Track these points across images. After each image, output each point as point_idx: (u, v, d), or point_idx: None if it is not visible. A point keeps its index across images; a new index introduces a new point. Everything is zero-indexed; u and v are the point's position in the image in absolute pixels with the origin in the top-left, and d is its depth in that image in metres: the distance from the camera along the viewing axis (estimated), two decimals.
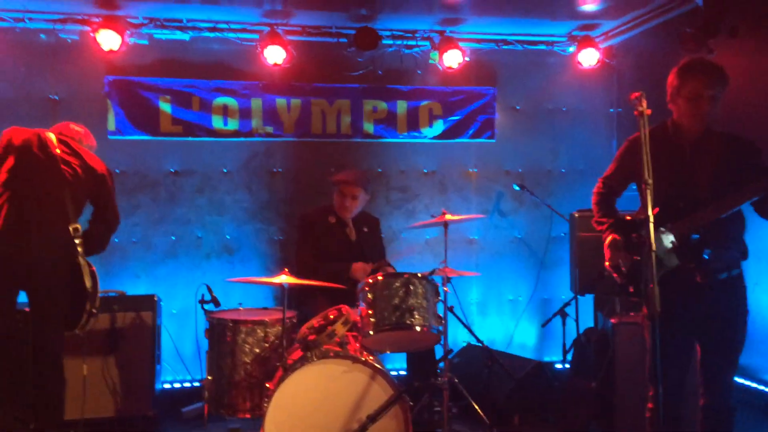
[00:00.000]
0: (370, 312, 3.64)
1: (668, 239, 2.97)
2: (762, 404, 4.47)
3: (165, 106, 5.25)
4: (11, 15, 4.81)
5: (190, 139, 5.32)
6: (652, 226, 2.46)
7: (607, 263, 3.34)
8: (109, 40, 4.80)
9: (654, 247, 2.44)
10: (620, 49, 5.67)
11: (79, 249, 3.66)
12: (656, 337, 2.48)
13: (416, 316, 3.59)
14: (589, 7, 4.95)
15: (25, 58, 5.01)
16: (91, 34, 4.84)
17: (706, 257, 3.00)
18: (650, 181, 2.51)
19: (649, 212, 2.48)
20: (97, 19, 4.84)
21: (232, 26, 5.15)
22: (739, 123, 3.84)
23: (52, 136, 3.75)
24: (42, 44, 5.03)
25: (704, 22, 4.06)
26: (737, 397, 3.21)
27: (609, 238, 3.20)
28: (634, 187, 3.39)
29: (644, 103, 2.60)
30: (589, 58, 5.41)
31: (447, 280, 3.97)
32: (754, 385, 4.61)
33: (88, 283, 3.65)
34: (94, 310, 3.70)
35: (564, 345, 4.99)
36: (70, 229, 3.66)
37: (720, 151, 3.05)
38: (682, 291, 2.97)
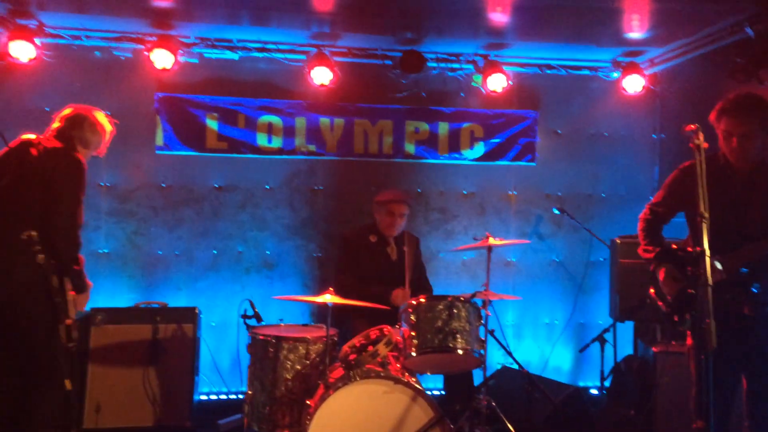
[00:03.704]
0: (413, 333, 3.66)
1: (717, 272, 2.95)
2: None
3: (212, 123, 5.37)
4: (69, 33, 4.98)
5: (234, 155, 5.43)
6: (708, 260, 2.46)
7: (651, 291, 3.34)
8: (162, 58, 4.93)
9: (711, 282, 2.43)
10: (665, 76, 5.65)
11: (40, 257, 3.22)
12: (710, 372, 2.47)
13: (459, 339, 3.61)
14: (635, 35, 4.95)
15: (81, 74, 5.16)
16: (145, 53, 4.99)
17: (755, 290, 2.99)
18: (707, 215, 2.51)
19: (705, 246, 2.48)
20: (151, 38, 4.99)
21: (281, 47, 5.26)
22: None
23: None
24: (96, 61, 5.18)
25: (755, 52, 4.04)
26: None
27: (663, 271, 3.17)
28: (681, 214, 3.39)
29: (701, 137, 2.60)
30: (633, 84, 5.41)
31: (488, 303, 3.97)
32: None
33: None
34: (69, 321, 3.32)
35: (602, 371, 4.95)
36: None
37: None
38: (729, 323, 2.95)
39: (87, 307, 4.62)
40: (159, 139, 5.32)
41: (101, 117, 3.74)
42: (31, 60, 4.80)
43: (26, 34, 4.73)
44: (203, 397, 5.25)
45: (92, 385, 4.51)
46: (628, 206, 5.60)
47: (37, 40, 4.81)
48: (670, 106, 5.74)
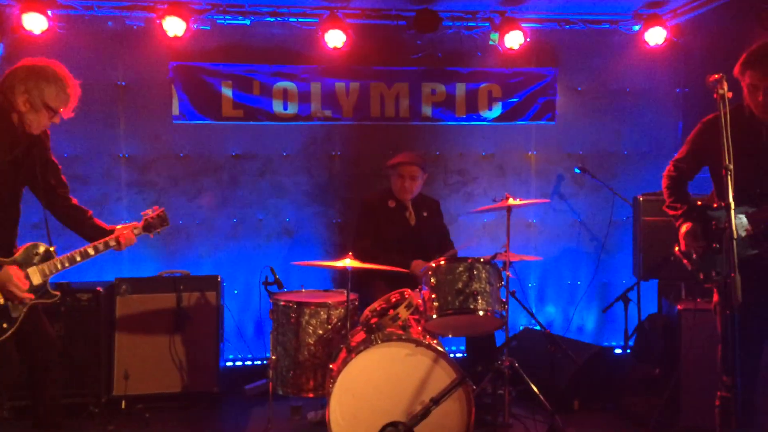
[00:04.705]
0: (433, 296, 3.66)
1: (742, 227, 2.89)
2: None
3: (227, 91, 5.34)
4: (81, 3, 4.95)
5: (251, 123, 5.40)
6: (733, 213, 2.40)
7: (676, 249, 3.28)
8: (174, 26, 4.89)
9: (735, 235, 2.37)
10: (689, 27, 5.47)
11: None
12: (736, 326, 2.43)
13: (480, 301, 3.60)
14: None
15: (94, 45, 5.13)
16: (157, 21, 4.95)
17: None
18: (731, 167, 2.45)
19: (730, 200, 2.42)
20: (162, 6, 4.93)
21: (293, 10, 5.18)
22: None
23: None
24: (109, 31, 5.15)
25: None
26: None
27: (686, 227, 3.13)
28: (706, 169, 3.31)
29: (725, 86, 2.52)
30: (655, 36, 5.24)
31: (508, 264, 3.95)
32: None
33: None
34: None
35: (626, 330, 4.91)
36: None
37: None
38: (757, 279, 2.89)
39: (111, 277, 4.74)
40: (175, 109, 5.30)
41: (42, 69, 3.05)
42: (43, 32, 4.78)
43: (38, 6, 4.71)
44: (229, 363, 5.33)
45: (120, 354, 4.61)
46: (651, 163, 5.49)
47: (49, 12, 4.79)
48: (694, 59, 5.56)
